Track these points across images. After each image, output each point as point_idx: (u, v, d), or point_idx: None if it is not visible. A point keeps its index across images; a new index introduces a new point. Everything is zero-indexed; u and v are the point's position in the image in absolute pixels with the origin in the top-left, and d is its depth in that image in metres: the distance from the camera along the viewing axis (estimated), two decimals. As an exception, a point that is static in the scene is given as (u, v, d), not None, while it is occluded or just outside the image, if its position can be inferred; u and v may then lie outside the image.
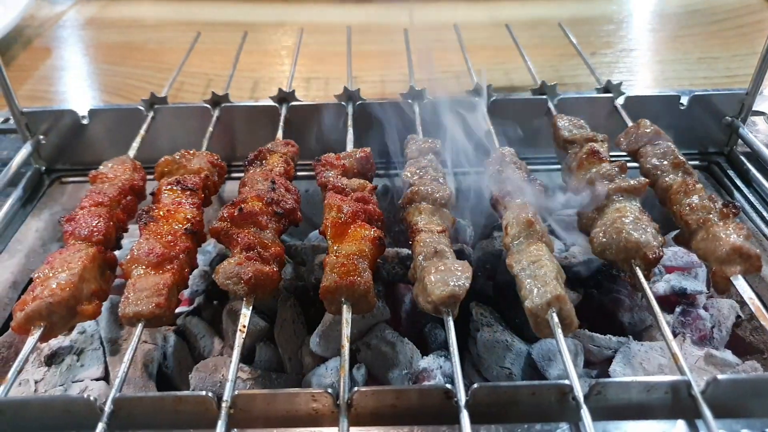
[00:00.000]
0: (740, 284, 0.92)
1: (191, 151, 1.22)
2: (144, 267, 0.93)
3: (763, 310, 0.89)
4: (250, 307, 0.90)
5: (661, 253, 0.95)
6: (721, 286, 0.95)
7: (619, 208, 1.03)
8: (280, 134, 1.34)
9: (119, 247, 1.07)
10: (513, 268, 0.93)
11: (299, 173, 1.24)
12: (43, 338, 0.87)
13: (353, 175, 1.16)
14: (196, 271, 1.16)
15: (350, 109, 1.41)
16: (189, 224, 1.01)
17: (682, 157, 1.15)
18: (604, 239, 0.99)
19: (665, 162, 1.15)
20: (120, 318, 0.88)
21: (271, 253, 0.96)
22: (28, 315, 0.86)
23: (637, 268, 0.95)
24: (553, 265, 0.91)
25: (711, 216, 1.00)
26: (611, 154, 1.31)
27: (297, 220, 1.07)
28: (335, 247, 0.96)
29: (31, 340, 0.85)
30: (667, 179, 1.12)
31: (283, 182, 1.11)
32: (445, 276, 0.89)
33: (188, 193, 1.09)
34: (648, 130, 1.23)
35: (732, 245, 0.93)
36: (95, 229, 1.00)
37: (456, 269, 0.91)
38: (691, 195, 1.05)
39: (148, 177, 1.24)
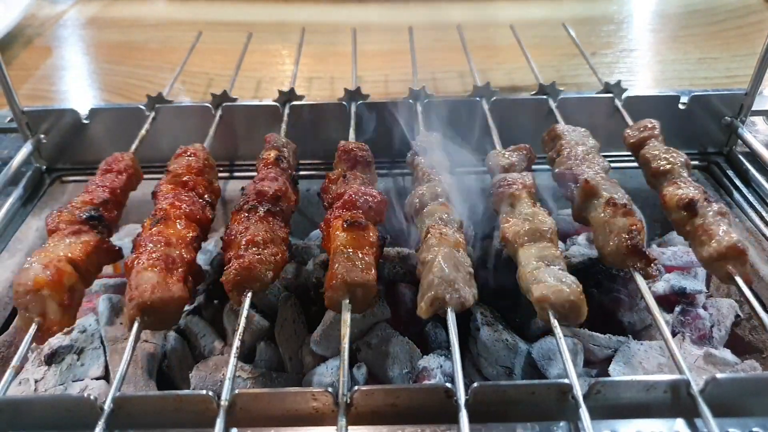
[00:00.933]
0: (739, 284, 0.92)
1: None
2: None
3: (759, 309, 0.89)
4: (246, 305, 0.90)
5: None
6: (727, 282, 0.97)
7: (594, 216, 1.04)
8: (282, 133, 1.34)
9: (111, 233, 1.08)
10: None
11: (301, 173, 1.24)
12: (43, 333, 0.88)
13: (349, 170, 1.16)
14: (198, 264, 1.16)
15: (353, 109, 1.42)
16: (154, 216, 1.02)
17: (663, 162, 1.15)
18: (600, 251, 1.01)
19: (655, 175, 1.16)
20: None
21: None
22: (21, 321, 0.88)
23: (636, 273, 0.95)
24: (538, 263, 0.92)
25: (689, 228, 1.01)
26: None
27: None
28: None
29: (27, 337, 0.86)
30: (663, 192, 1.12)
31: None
32: (421, 290, 0.91)
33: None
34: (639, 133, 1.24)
35: (709, 257, 0.94)
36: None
37: (433, 272, 0.91)
38: (672, 210, 1.05)
39: (149, 177, 1.25)
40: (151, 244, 0.95)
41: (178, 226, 1.01)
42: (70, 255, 0.94)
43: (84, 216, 1.02)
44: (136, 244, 0.97)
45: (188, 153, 1.19)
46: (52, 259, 0.92)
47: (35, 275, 0.89)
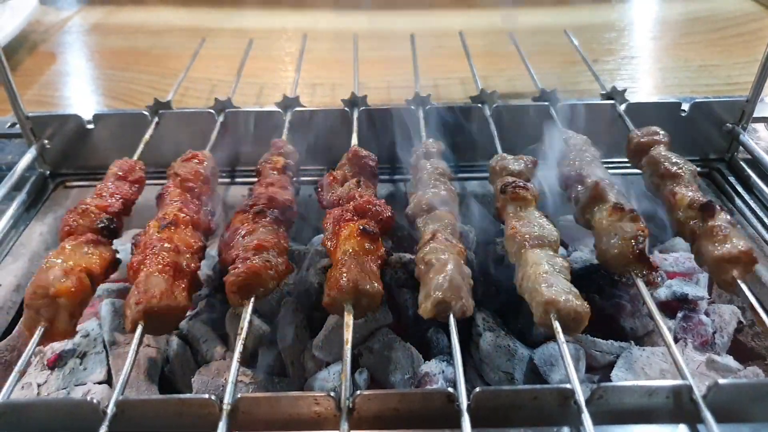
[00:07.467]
0: (742, 289, 0.92)
1: None
2: None
3: (763, 315, 0.89)
4: (249, 309, 0.90)
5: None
6: (727, 289, 0.97)
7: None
8: (284, 139, 1.35)
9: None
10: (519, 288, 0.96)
11: (303, 177, 1.25)
12: (47, 339, 0.88)
13: (354, 176, 1.16)
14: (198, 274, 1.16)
15: (355, 115, 1.42)
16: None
17: (669, 164, 1.16)
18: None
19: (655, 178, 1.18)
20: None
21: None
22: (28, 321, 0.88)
23: (638, 279, 0.95)
24: (541, 268, 0.92)
25: (697, 230, 1.01)
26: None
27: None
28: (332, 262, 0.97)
29: (31, 342, 0.86)
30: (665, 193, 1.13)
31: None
32: (426, 290, 0.91)
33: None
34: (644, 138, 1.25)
35: (714, 258, 0.94)
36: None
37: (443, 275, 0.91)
38: (677, 209, 1.06)
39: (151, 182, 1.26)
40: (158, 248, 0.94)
41: (186, 234, 1.01)
42: (88, 266, 0.93)
43: (101, 225, 1.02)
44: (139, 245, 0.97)
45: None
46: (74, 268, 0.91)
47: (57, 282, 0.88)
